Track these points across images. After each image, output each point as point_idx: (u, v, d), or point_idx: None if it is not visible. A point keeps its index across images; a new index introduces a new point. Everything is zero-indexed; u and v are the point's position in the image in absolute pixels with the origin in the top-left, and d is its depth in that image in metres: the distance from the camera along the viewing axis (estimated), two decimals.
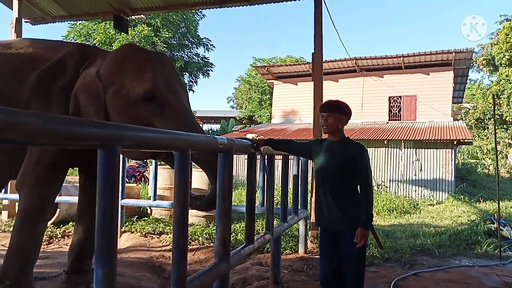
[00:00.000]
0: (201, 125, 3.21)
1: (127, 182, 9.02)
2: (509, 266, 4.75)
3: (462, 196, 11.93)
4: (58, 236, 5.72)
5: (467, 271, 4.49)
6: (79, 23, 22.52)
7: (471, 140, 14.29)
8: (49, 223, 5.72)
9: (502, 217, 6.95)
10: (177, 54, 24.24)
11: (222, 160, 2.27)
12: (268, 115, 25.96)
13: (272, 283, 3.60)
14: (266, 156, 3.20)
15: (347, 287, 2.74)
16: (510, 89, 19.61)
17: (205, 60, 25.69)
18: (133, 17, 8.10)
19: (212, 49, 25.81)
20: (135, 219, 6.29)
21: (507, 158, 21.50)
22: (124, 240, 5.61)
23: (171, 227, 3.71)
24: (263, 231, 3.38)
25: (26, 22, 7.42)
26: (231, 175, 2.32)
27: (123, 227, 5.83)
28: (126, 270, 4.15)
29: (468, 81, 21.27)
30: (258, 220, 5.89)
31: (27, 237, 2.75)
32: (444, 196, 12.62)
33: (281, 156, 3.78)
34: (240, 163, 14.00)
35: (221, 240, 2.28)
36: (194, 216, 6.36)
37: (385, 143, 13.69)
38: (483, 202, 11.09)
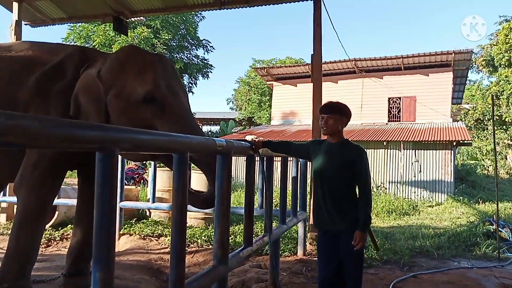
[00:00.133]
0: (200, 127, 3.21)
1: (126, 184, 9.03)
2: (508, 267, 4.75)
3: (461, 197, 11.93)
4: (57, 239, 5.72)
5: (466, 272, 4.49)
6: (79, 25, 22.52)
7: (470, 141, 14.32)
8: (47, 225, 5.72)
9: (501, 219, 6.95)
10: (176, 56, 24.24)
11: (221, 162, 2.27)
12: (267, 117, 25.97)
13: (271, 286, 3.59)
14: (264, 158, 3.20)
15: None
16: (510, 90, 19.60)
17: (205, 61, 25.70)
18: (132, 19, 8.11)
19: (211, 51, 25.85)
20: (133, 221, 6.29)
21: (506, 159, 21.51)
22: (123, 243, 5.61)
23: (170, 230, 3.71)
24: (262, 233, 3.38)
25: (25, 24, 7.42)
26: (229, 177, 2.33)
27: (121, 230, 5.83)
28: (125, 272, 4.15)
29: (467, 82, 21.30)
30: (257, 222, 5.89)
31: (25, 240, 2.75)
32: (443, 197, 12.62)
33: (280, 157, 3.78)
34: (239, 165, 14.00)
35: (219, 242, 2.28)
36: (193, 218, 6.36)
37: (385, 144, 13.69)
38: (482, 203, 11.10)
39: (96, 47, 20.61)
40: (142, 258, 4.99)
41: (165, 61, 3.01)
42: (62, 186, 4.10)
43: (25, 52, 3.11)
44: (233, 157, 2.40)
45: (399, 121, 16.95)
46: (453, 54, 15.47)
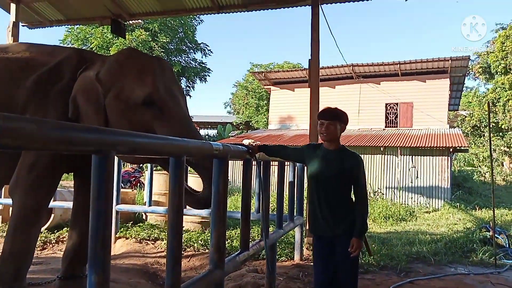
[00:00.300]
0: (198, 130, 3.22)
1: (122, 188, 9.00)
2: (504, 274, 4.75)
3: (458, 204, 11.95)
4: (52, 242, 5.68)
5: (462, 279, 4.48)
6: (76, 27, 22.54)
7: (467, 148, 14.36)
8: (43, 228, 5.68)
9: (498, 225, 6.96)
10: (174, 59, 24.25)
11: (218, 166, 2.27)
12: (265, 121, 26.00)
13: None
14: (261, 162, 3.19)
15: None
16: (506, 97, 19.72)
17: (203, 65, 25.73)
18: (130, 22, 8.11)
19: (209, 54, 25.87)
20: (130, 224, 6.26)
21: (503, 165, 21.60)
22: (119, 246, 5.58)
23: (166, 233, 3.70)
24: (259, 238, 3.37)
25: (23, 26, 7.42)
26: (226, 181, 2.32)
27: (117, 233, 5.80)
28: (121, 276, 4.13)
29: (464, 88, 21.40)
30: (253, 227, 5.88)
31: (20, 242, 2.73)
32: (440, 204, 12.64)
33: (277, 162, 3.78)
34: (236, 169, 13.99)
35: (216, 247, 2.27)
36: (190, 222, 6.33)
37: (382, 150, 13.72)
38: (479, 209, 11.11)
39: (93, 49, 20.59)
40: (138, 261, 4.97)
41: (164, 64, 3.02)
42: (58, 189, 4.08)
43: (22, 53, 3.10)
44: (230, 161, 2.40)
45: (396, 126, 17.00)
46: (450, 61, 15.57)
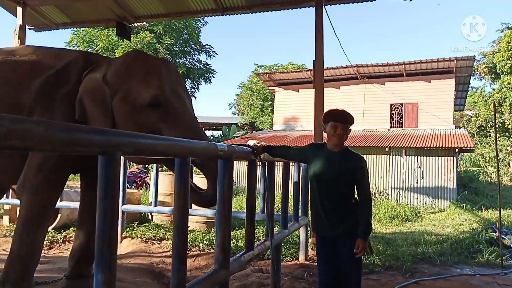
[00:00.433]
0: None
1: (128, 188, 9.04)
2: (511, 275, 4.72)
3: (464, 204, 11.89)
4: (59, 241, 5.73)
5: (468, 279, 4.47)
6: (82, 30, 22.69)
7: (473, 148, 14.28)
8: (50, 228, 5.73)
9: (504, 226, 6.93)
10: (179, 61, 24.35)
11: (222, 167, 2.28)
12: (269, 122, 26.00)
13: None
14: (266, 162, 3.21)
15: None
16: None
17: (207, 66, 25.82)
18: (135, 24, 8.16)
19: (214, 56, 26.01)
20: (135, 224, 6.30)
21: (509, 166, 21.43)
22: (125, 246, 5.62)
23: (172, 233, 3.71)
24: (264, 238, 3.38)
25: (29, 29, 7.48)
26: (231, 181, 2.33)
27: (123, 233, 5.83)
28: (126, 275, 4.16)
29: (470, 88, 21.27)
30: (258, 227, 5.89)
31: (28, 242, 2.76)
32: (446, 204, 12.58)
33: (282, 162, 3.79)
34: (241, 170, 14.01)
35: (221, 246, 2.28)
36: (195, 222, 6.36)
37: (387, 150, 13.67)
38: (485, 210, 11.05)
39: (99, 51, 20.73)
40: (144, 261, 5.00)
41: (170, 66, 3.04)
42: (64, 189, 4.12)
43: (29, 56, 3.14)
44: (235, 162, 2.41)
45: (401, 127, 16.94)
46: (455, 61, 15.49)
